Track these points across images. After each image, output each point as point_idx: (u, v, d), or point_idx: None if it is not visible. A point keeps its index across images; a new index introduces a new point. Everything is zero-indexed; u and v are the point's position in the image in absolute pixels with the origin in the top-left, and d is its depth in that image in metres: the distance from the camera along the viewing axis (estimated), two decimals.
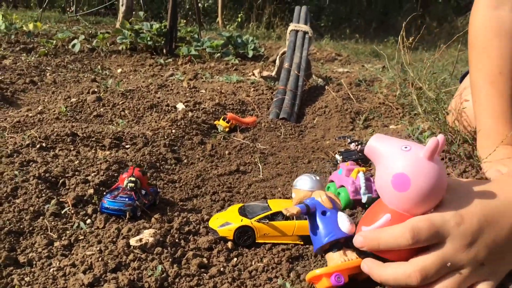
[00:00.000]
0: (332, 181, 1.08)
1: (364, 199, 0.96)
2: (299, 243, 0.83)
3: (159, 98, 2.02)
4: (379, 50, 3.25)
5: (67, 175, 1.03)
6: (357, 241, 0.61)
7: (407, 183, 0.58)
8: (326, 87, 2.29)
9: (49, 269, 0.72)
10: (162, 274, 0.70)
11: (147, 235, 0.77)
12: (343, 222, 0.67)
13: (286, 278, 0.73)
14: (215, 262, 0.77)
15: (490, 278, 0.59)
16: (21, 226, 0.82)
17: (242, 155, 1.47)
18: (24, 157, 1.09)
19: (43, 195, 0.92)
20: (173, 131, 1.54)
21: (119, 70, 2.86)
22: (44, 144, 1.22)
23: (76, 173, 1.05)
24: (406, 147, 0.60)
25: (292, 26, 2.48)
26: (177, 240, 0.81)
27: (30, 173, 1.00)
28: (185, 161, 1.35)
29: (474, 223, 0.58)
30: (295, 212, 0.68)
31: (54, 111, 1.65)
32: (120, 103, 1.82)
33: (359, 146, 1.37)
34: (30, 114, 1.56)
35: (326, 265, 0.67)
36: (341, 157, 1.34)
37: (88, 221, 0.88)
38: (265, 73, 2.72)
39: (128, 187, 0.91)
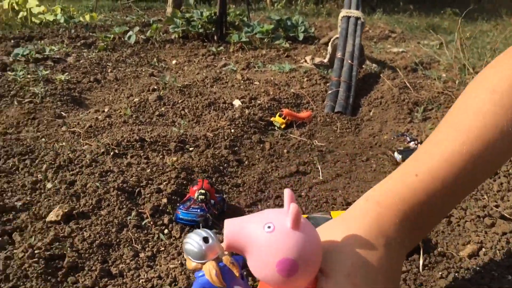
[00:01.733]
0: None
1: None
2: None
3: (215, 93, 2.10)
4: (435, 22, 3.15)
5: (141, 184, 1.13)
6: None
7: (295, 266, 0.52)
8: (381, 75, 2.28)
9: (139, 280, 0.82)
10: None
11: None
12: None
13: None
14: None
15: None
16: (109, 239, 0.92)
17: (300, 154, 1.52)
18: (102, 167, 1.20)
19: (124, 206, 1.02)
20: (232, 130, 1.61)
21: (173, 62, 2.96)
22: (116, 151, 1.33)
23: (150, 182, 1.15)
24: (269, 227, 0.53)
25: (343, 12, 2.46)
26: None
27: (109, 184, 1.10)
28: (246, 162, 1.42)
29: (344, 276, 0.54)
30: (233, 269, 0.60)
31: (120, 112, 1.76)
32: (180, 101, 1.91)
33: (419, 145, 1.38)
34: (100, 118, 1.68)
35: None
36: (400, 156, 1.36)
37: (166, 231, 0.97)
38: (317, 60, 2.73)
39: (199, 199, 0.99)
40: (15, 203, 1.02)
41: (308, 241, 0.52)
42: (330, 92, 2.00)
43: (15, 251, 0.86)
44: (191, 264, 0.61)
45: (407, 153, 1.36)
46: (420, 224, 0.62)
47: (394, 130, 1.70)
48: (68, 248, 0.87)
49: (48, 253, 0.84)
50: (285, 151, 1.53)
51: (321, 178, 1.33)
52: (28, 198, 1.05)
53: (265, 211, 0.55)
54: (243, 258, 0.62)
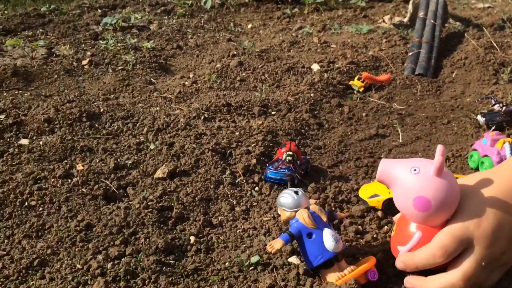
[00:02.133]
0: (475, 149, 1.14)
1: None
2: None
3: (293, 57, 2.16)
4: None
5: (232, 146, 1.24)
6: (398, 266, 0.71)
7: (428, 204, 0.66)
8: (465, 34, 2.20)
9: (236, 230, 0.94)
10: None
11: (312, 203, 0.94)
12: (329, 242, 0.71)
13: None
14: (368, 229, 0.92)
15: (505, 266, 0.68)
16: (208, 194, 1.05)
17: (379, 117, 1.56)
18: (196, 130, 1.32)
19: (219, 166, 1.14)
20: (312, 94, 1.68)
21: (249, 26, 3.03)
22: (206, 115, 1.45)
23: (239, 144, 1.26)
24: (415, 170, 0.67)
25: None
26: (333, 208, 0.97)
27: (204, 145, 1.23)
28: (326, 125, 1.49)
29: (491, 220, 0.64)
30: (279, 247, 0.70)
31: (204, 78, 1.88)
32: (259, 66, 1.99)
33: (504, 107, 1.37)
34: (187, 84, 1.82)
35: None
36: (484, 119, 1.36)
37: (256, 188, 1.08)
38: (396, 19, 2.68)
39: (287, 160, 1.08)
40: (126, 161, 1.17)
41: (445, 187, 0.65)
42: (410, 54, 1.98)
43: (131, 202, 1.01)
44: (285, 214, 0.76)
45: (491, 115, 1.36)
46: None
47: (478, 92, 1.68)
48: (175, 201, 1.00)
49: (159, 204, 0.98)
50: (364, 114, 1.58)
51: (400, 141, 1.37)
52: (135, 158, 1.20)
53: (415, 159, 0.71)
54: (328, 211, 0.75)
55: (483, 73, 1.81)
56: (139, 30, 2.81)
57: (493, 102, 1.41)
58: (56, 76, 1.90)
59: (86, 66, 2.03)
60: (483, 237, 0.64)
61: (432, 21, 2.13)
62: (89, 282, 0.78)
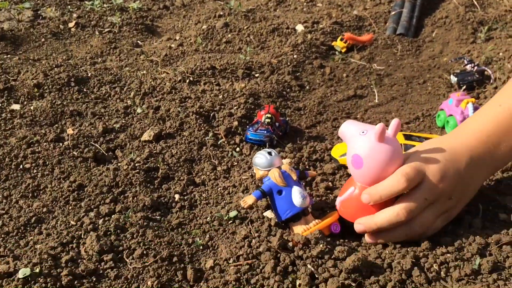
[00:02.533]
0: (442, 109, 1.22)
1: None
2: None
3: (278, 18, 2.19)
4: None
5: (215, 109, 1.31)
6: (363, 198, 0.77)
7: (360, 163, 0.75)
8: None
9: (217, 188, 1.02)
10: None
11: (286, 163, 1.02)
12: (297, 198, 0.80)
13: None
14: (338, 185, 1.01)
15: (452, 210, 0.79)
16: (192, 155, 1.13)
17: (359, 78, 1.63)
18: (181, 93, 1.39)
19: (202, 128, 1.21)
20: (295, 56, 1.73)
21: None
22: (191, 79, 1.51)
23: (222, 106, 1.33)
24: (363, 132, 0.76)
25: None
26: (307, 167, 1.06)
27: (188, 109, 1.30)
28: (307, 87, 1.56)
29: (441, 163, 0.75)
30: (251, 202, 0.80)
31: (190, 40, 1.92)
32: (245, 27, 2.03)
33: (476, 67, 1.44)
34: (173, 46, 1.86)
35: None
36: (456, 78, 1.43)
37: (237, 149, 1.16)
38: None
39: (266, 122, 1.16)
40: (114, 125, 1.24)
41: (380, 151, 0.74)
42: (393, 13, 2.02)
43: (119, 164, 1.09)
44: (259, 173, 0.85)
45: (463, 75, 1.43)
46: (503, 149, 0.81)
47: (456, 51, 1.74)
48: (161, 162, 1.08)
49: (146, 166, 1.06)
50: (344, 75, 1.64)
51: (376, 101, 1.45)
52: (123, 121, 1.27)
53: (373, 126, 0.77)
54: (299, 170, 0.83)
55: (462, 32, 1.86)
56: None
57: (466, 62, 1.47)
58: (43, 40, 1.94)
59: (72, 29, 2.06)
60: (431, 174, 0.75)
61: None
62: (82, 236, 0.87)
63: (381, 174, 0.75)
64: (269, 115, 1.16)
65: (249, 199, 0.81)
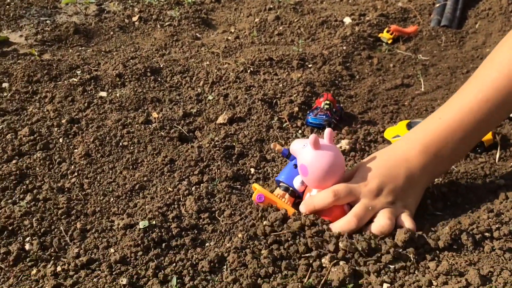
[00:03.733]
0: None
1: None
2: None
3: (326, 10, 2.36)
4: None
5: (277, 96, 1.51)
6: (301, 208, 0.93)
7: (306, 170, 0.90)
8: None
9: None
10: None
11: (344, 144, 1.22)
12: (297, 181, 0.97)
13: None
14: None
15: (405, 209, 0.91)
16: (262, 136, 1.33)
17: (405, 68, 1.79)
18: (245, 83, 1.59)
19: (268, 113, 1.42)
20: (344, 47, 1.91)
21: None
22: (252, 69, 1.71)
23: (283, 94, 1.53)
24: (304, 145, 0.91)
25: None
26: (363, 147, 1.25)
27: (253, 96, 1.50)
28: (357, 77, 1.74)
29: (376, 182, 0.89)
30: (277, 149, 1.02)
31: (245, 33, 2.12)
32: (295, 20, 2.21)
33: None
34: (230, 39, 2.06)
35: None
36: None
37: (299, 131, 1.36)
38: None
39: (325, 108, 1.35)
40: (190, 110, 1.46)
41: (318, 156, 0.88)
42: (437, 5, 2.16)
43: (200, 143, 1.30)
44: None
45: None
46: (441, 157, 0.93)
47: (498, 42, 1.87)
48: (236, 141, 1.29)
49: (224, 144, 1.27)
50: (391, 65, 1.81)
51: (422, 89, 1.61)
52: (198, 107, 1.48)
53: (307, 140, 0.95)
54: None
55: (504, 23, 1.99)
56: None
57: None
58: (112, 33, 2.17)
59: (136, 23, 2.29)
60: (368, 193, 0.88)
61: None
62: (181, 199, 1.09)
63: (326, 177, 0.89)
64: (327, 102, 1.35)
65: (278, 147, 1.02)
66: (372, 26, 2.09)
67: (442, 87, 1.63)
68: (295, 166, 0.95)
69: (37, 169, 1.21)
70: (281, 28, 2.17)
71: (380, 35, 2.02)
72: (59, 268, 0.91)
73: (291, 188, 0.98)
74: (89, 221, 1.04)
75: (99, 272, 0.91)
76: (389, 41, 1.97)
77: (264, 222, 0.95)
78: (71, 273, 0.90)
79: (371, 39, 2.00)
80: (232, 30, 2.20)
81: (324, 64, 1.78)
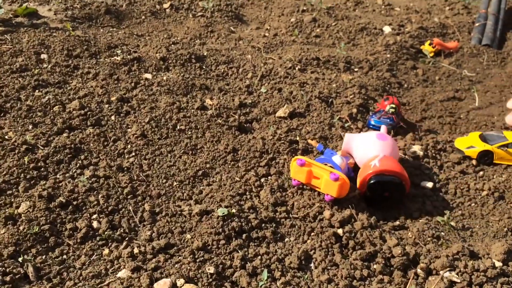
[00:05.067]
0: None
1: None
2: None
3: (360, 17, 2.35)
4: None
5: (332, 96, 1.48)
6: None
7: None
8: None
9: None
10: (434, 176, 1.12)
11: (417, 149, 1.19)
12: (336, 158, 1.06)
13: None
14: (468, 171, 1.17)
15: None
16: (325, 133, 1.29)
17: (452, 81, 1.79)
18: (298, 79, 1.55)
19: (327, 111, 1.38)
20: (388, 55, 1.89)
21: None
22: (299, 67, 1.67)
23: (338, 94, 1.49)
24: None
25: None
26: (434, 155, 1.22)
27: (309, 93, 1.46)
28: (405, 85, 1.72)
29: None
30: (313, 144, 1.18)
31: (282, 31, 2.09)
32: (333, 24, 2.19)
33: None
34: (268, 35, 2.03)
35: None
36: None
37: (361, 132, 1.33)
38: None
39: (390, 112, 1.32)
40: (245, 100, 1.41)
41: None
42: (477, 24, 2.18)
43: (263, 134, 1.25)
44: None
45: None
46: None
47: None
48: (298, 137, 1.25)
49: (288, 138, 1.23)
50: (437, 78, 1.80)
51: (476, 104, 1.60)
52: (251, 98, 1.43)
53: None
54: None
55: None
56: None
57: None
58: (143, 17, 2.11)
59: (167, 10, 2.23)
60: None
61: None
62: (253, 190, 1.04)
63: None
64: (393, 106, 1.33)
65: (314, 142, 1.16)
66: (413, 37, 2.09)
67: (495, 104, 1.62)
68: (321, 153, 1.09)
69: (91, 144, 1.14)
70: (318, 30, 2.15)
71: (422, 47, 2.01)
72: (136, 250, 0.85)
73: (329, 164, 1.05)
74: (157, 204, 0.98)
75: (180, 257, 0.85)
76: (431, 54, 1.97)
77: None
78: (149, 256, 0.84)
79: (413, 50, 2.00)
80: (267, 27, 2.17)
81: (370, 69, 1.76)
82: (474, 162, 1.21)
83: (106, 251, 0.85)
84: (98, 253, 0.85)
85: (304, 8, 2.42)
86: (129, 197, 0.98)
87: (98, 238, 0.88)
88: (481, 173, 1.17)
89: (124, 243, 0.87)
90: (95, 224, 0.90)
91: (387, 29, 2.18)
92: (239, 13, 2.42)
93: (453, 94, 1.65)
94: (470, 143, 1.22)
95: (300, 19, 2.25)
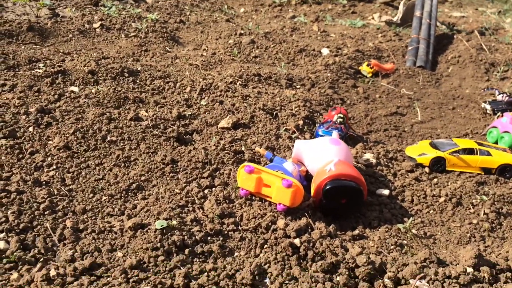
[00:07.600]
0: (494, 126, 1.36)
1: None
2: (480, 172, 1.14)
3: (298, 41, 2.32)
4: None
5: (277, 108, 1.39)
6: None
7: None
8: (455, 36, 2.48)
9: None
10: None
11: (370, 157, 1.11)
12: (287, 165, 0.98)
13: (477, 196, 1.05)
14: (423, 178, 1.10)
15: None
16: (272, 144, 1.19)
17: (392, 99, 1.76)
18: (239, 92, 1.46)
19: (273, 123, 1.28)
20: (328, 74, 1.85)
21: (241, 10, 3.17)
22: (240, 82, 1.58)
23: (282, 107, 1.41)
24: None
25: None
26: (386, 163, 1.15)
27: (252, 106, 1.36)
28: (348, 101, 1.67)
29: None
30: (261, 152, 1.08)
31: (220, 51, 2.00)
32: (271, 46, 2.14)
33: (507, 98, 1.61)
34: (205, 54, 1.93)
35: None
36: (489, 106, 1.60)
37: None
38: (384, 18, 2.92)
39: (338, 121, 1.25)
40: (184, 112, 1.28)
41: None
42: (410, 48, 2.21)
43: (205, 145, 1.13)
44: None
45: (495, 104, 1.60)
46: None
47: (474, 86, 1.93)
48: (244, 147, 1.14)
49: (232, 148, 1.11)
50: (377, 95, 1.78)
51: (419, 118, 1.58)
52: (191, 110, 1.31)
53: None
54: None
55: (476, 70, 2.07)
56: (135, 1, 2.86)
57: (497, 93, 1.64)
58: (71, 36, 1.95)
59: (98, 29, 2.09)
60: None
61: (427, 20, 2.38)
62: (196, 201, 0.90)
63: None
64: (341, 115, 1.25)
65: (262, 151, 1.07)
66: (350, 59, 2.07)
67: (436, 119, 1.61)
68: (271, 160, 1.01)
69: (2, 157, 0.96)
70: (257, 51, 2.08)
71: (360, 68, 2.00)
72: (53, 273, 0.68)
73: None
74: (81, 220, 0.82)
75: (108, 279, 0.69)
76: (369, 75, 1.96)
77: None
78: (69, 278, 0.68)
79: (352, 70, 1.97)
80: (205, 48, 2.08)
81: (313, 86, 1.71)
82: (426, 169, 1.15)
83: (15, 275, 0.68)
84: (3, 278, 0.67)
85: (242, 32, 2.36)
86: (46, 212, 0.82)
87: (5, 260, 0.70)
88: (435, 180, 1.11)
89: (38, 265, 0.70)
90: (1, 244, 0.73)
91: (325, 51, 2.16)
92: (174, 35, 2.32)
93: (395, 110, 1.62)
94: (421, 151, 1.16)
95: (238, 41, 2.18)
